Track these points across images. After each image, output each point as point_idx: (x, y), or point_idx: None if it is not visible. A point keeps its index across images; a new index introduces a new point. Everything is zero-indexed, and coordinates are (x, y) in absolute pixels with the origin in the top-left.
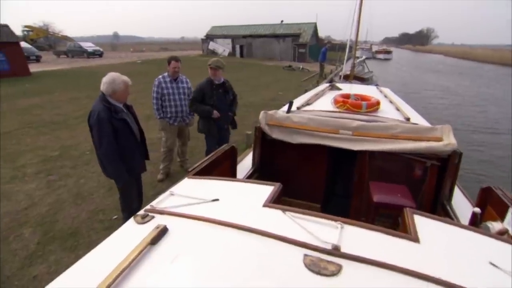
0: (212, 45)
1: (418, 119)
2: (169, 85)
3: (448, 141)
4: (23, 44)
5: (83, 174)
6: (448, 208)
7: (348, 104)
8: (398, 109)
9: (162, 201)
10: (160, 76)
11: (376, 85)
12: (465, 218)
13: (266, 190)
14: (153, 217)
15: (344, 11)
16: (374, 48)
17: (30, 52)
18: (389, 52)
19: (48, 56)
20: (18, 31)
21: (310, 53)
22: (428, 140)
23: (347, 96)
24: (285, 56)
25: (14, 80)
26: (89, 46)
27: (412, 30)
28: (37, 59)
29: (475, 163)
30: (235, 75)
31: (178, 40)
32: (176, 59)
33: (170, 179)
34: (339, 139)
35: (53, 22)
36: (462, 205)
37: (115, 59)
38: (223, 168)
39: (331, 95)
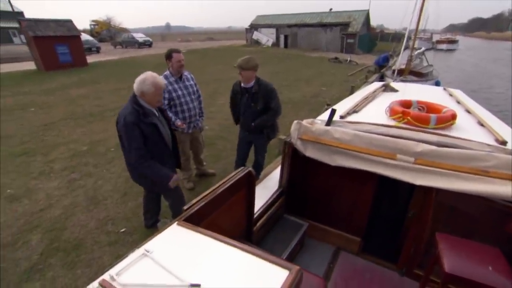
0: (256, 35)
1: None
2: (175, 86)
3: None
4: (86, 36)
5: (102, 174)
6: None
7: (410, 116)
8: (482, 125)
9: (126, 269)
10: (162, 77)
11: (437, 82)
12: None
13: (276, 277)
14: None
15: None
16: (435, 38)
17: (92, 44)
18: (453, 42)
19: (106, 47)
20: (87, 25)
21: (359, 44)
22: None
23: (407, 105)
24: (332, 47)
25: (73, 71)
26: (140, 36)
27: (487, 14)
28: (97, 50)
29: None
30: (275, 67)
31: (225, 29)
32: (177, 50)
33: (199, 183)
34: (395, 167)
35: (114, 16)
36: None
37: (162, 49)
38: (236, 198)
39: (385, 99)
